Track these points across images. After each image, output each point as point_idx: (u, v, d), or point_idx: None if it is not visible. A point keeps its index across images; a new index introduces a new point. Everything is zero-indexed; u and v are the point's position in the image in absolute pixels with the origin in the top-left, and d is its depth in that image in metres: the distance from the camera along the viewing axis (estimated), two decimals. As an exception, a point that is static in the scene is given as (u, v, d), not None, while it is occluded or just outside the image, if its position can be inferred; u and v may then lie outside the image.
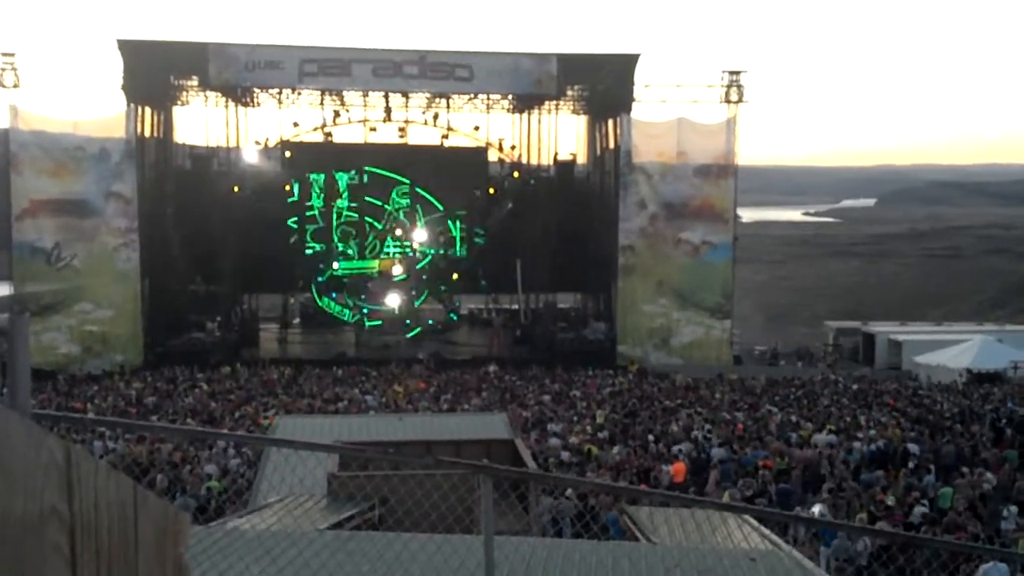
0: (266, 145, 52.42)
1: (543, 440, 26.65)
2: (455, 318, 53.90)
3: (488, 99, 52.61)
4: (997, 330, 55.48)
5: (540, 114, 53.72)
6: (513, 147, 53.99)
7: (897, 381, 42.92)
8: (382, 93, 51.06)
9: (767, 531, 11.90)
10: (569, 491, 18.38)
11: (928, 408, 32.81)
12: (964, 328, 55.94)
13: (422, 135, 53.08)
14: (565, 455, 24.52)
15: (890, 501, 19.81)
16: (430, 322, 52.36)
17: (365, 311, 51.42)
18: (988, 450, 25.40)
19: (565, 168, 53.87)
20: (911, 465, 23.69)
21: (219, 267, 48.68)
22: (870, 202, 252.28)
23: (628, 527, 13.29)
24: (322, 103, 51.90)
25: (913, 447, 25.34)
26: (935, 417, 30.58)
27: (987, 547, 12.10)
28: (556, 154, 54.08)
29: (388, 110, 52.16)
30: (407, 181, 50.29)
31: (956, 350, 46.27)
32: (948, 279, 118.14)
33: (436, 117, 52.17)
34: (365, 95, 51.49)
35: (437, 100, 51.76)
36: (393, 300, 50.96)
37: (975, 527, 18.17)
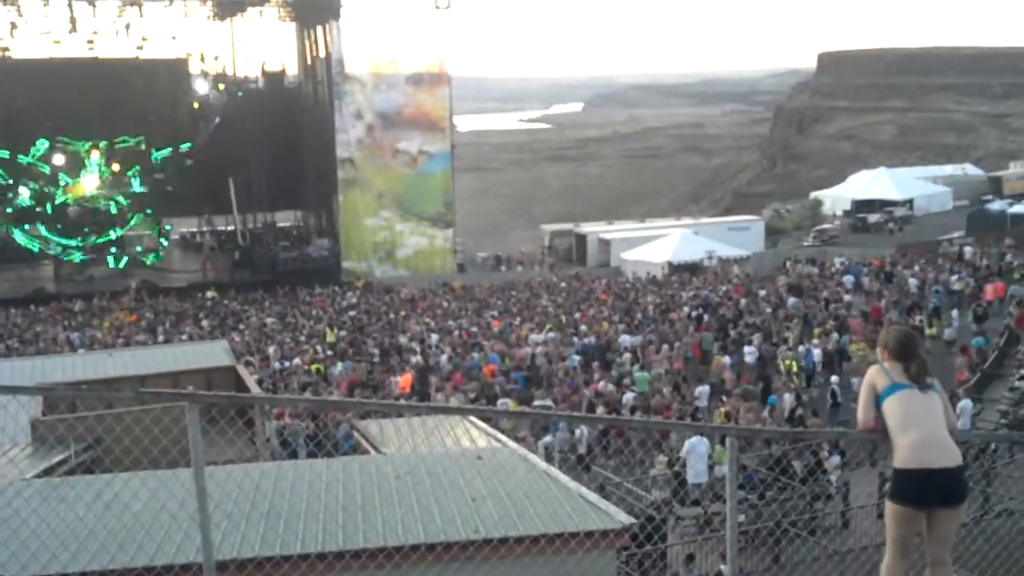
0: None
1: (268, 364, 26.18)
2: (165, 243, 50.90)
3: (186, 5, 49.19)
4: (693, 223, 59.88)
5: (244, 21, 51.12)
6: (217, 58, 51.05)
7: (607, 278, 45.60)
8: (66, 1, 46.39)
9: (492, 430, 12.40)
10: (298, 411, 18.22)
11: (635, 301, 35.22)
12: (664, 224, 59.71)
13: (114, 48, 48.87)
14: (294, 376, 24.26)
15: (604, 389, 21.26)
16: (138, 249, 49.23)
17: (62, 242, 47.50)
18: (688, 334, 27.74)
19: (275, 79, 51.76)
20: (622, 354, 25.50)
21: None
22: (577, 107, 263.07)
23: (359, 441, 13.40)
24: (-6, 14, 46.43)
25: (623, 338, 27.22)
26: (639, 309, 32.92)
27: (680, 423, 13.21)
28: (264, 65, 51.83)
29: (73, 20, 47.42)
30: (100, 98, 46.37)
31: (657, 245, 49.68)
32: (648, 178, 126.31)
33: (128, 27, 48.16)
34: (46, 3, 46.50)
35: (128, 7, 47.76)
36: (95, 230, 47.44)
37: (679, 406, 19.95)
